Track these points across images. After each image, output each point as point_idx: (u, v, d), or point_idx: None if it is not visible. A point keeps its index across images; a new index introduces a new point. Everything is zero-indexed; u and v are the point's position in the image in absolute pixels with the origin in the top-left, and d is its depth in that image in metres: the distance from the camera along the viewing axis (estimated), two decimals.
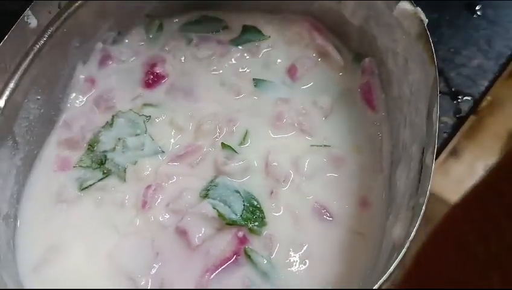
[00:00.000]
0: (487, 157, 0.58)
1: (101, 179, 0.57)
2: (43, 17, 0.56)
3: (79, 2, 0.59)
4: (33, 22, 0.55)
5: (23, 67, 0.55)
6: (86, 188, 0.56)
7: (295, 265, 0.50)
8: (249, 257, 0.50)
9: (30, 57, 0.55)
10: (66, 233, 0.53)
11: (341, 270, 0.50)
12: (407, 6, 0.54)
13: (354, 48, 0.66)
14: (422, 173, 0.46)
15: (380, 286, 0.39)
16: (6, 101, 0.53)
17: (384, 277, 0.39)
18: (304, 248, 0.51)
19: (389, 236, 0.48)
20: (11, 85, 0.54)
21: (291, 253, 0.51)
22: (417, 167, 0.48)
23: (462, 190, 0.51)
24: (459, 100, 0.64)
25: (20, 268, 0.51)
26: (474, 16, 0.70)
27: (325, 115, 0.61)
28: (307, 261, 0.51)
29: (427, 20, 0.52)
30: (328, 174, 0.56)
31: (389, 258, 0.43)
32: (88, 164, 0.58)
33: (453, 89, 0.65)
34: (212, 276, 0.49)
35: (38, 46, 0.56)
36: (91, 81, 0.64)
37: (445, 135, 0.62)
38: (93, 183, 0.56)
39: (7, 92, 0.53)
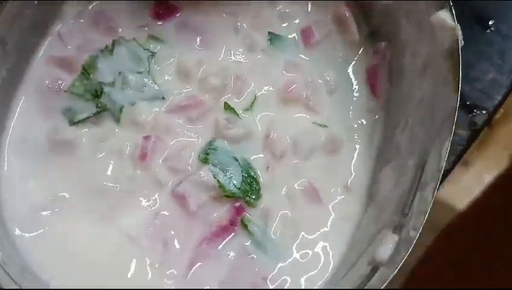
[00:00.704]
0: (495, 166, 0.62)
1: (94, 114, 0.53)
2: None
3: None
4: None
5: None
6: (77, 122, 0.52)
7: (288, 240, 0.53)
8: (245, 226, 0.52)
9: None
10: (59, 184, 0.52)
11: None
12: (447, 17, 0.52)
13: (372, 25, 0.64)
14: (415, 201, 0.47)
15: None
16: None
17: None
18: (297, 225, 0.53)
19: (369, 235, 0.51)
20: None
21: (285, 228, 0.53)
22: (409, 185, 0.50)
23: (469, 198, 0.54)
24: (474, 114, 0.66)
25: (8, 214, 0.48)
26: (488, 30, 0.71)
27: (331, 91, 0.60)
28: (299, 236, 0.53)
29: (463, 42, 0.51)
30: (322, 157, 0.57)
31: (371, 271, 0.46)
32: (81, 91, 0.53)
33: (468, 103, 0.66)
34: (209, 244, 0.51)
35: None
36: None
37: (460, 148, 0.64)
38: (86, 118, 0.53)
39: None
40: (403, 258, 0.44)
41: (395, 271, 0.43)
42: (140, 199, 0.52)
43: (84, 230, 0.51)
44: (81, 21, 0.57)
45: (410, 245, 0.45)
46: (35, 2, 0.51)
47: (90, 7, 0.57)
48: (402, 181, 0.52)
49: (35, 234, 0.50)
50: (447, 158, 0.62)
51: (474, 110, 0.67)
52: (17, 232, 0.50)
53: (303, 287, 0.52)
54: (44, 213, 0.51)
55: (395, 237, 0.48)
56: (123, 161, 0.53)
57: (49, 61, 0.55)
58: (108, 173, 0.52)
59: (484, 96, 0.68)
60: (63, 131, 0.52)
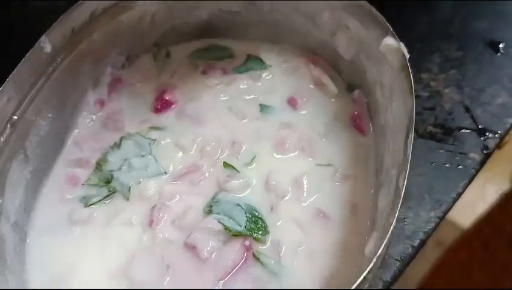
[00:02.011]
0: (498, 182, 0.61)
1: (106, 197, 0.60)
2: (58, 41, 0.60)
3: (94, 26, 0.63)
4: (48, 47, 0.59)
5: (37, 88, 0.59)
6: (92, 205, 0.60)
7: (302, 262, 0.55)
8: (257, 259, 0.54)
9: (43, 78, 0.59)
10: (78, 252, 0.57)
11: (340, 264, 0.55)
12: (390, 41, 0.59)
13: (346, 79, 0.71)
14: (395, 195, 0.49)
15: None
16: (19, 118, 0.57)
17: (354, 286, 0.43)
18: (307, 247, 0.56)
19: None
20: (25, 104, 0.57)
21: (297, 252, 0.55)
22: (393, 190, 0.52)
23: (473, 215, 0.54)
24: (485, 137, 0.67)
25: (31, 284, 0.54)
26: (498, 54, 0.73)
27: (324, 137, 0.65)
28: (311, 257, 0.55)
29: (408, 54, 0.56)
30: (327, 187, 0.61)
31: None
32: (96, 182, 0.61)
33: (480, 126, 0.67)
34: (223, 282, 0.53)
35: (51, 69, 0.60)
36: (100, 102, 0.68)
37: (473, 171, 0.64)
38: (98, 201, 0.60)
39: (20, 110, 0.57)
40: (379, 248, 0.45)
41: (372, 262, 0.44)
42: (151, 257, 0.56)
43: (99, 284, 0.54)
44: (92, 126, 0.67)
45: (387, 233, 0.46)
46: (50, 115, 0.62)
47: (99, 114, 0.67)
48: (389, 192, 0.54)
49: None
50: (460, 182, 0.65)
51: (486, 134, 0.68)
52: None
53: None
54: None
55: (376, 234, 0.49)
56: (133, 229, 0.58)
57: (68, 164, 0.64)
58: (121, 240, 0.57)
59: (496, 119, 0.69)
60: (78, 212, 0.59)
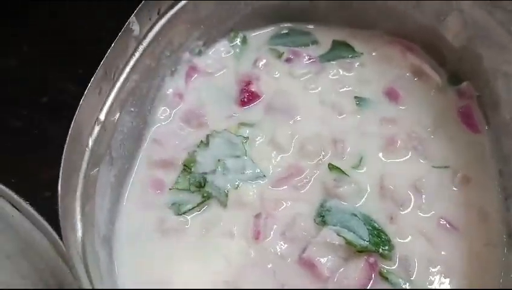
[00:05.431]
0: None
1: (200, 203, 0.52)
2: (145, 23, 0.52)
3: (177, 8, 0.55)
4: (136, 29, 0.51)
5: (124, 77, 0.51)
6: (185, 213, 0.52)
7: (436, 281, 0.48)
8: (386, 279, 0.47)
9: (130, 66, 0.52)
10: (171, 265, 0.50)
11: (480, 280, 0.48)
12: None
13: (450, 68, 0.63)
14: None
15: None
16: (107, 114, 0.49)
17: None
18: (439, 262, 0.49)
19: None
20: (112, 95, 0.49)
21: (431, 270, 0.49)
22: None
23: None
24: None
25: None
26: None
27: (433, 134, 0.58)
28: (447, 275, 0.49)
29: None
30: (447, 192, 0.54)
31: None
32: (185, 186, 0.53)
33: None
34: None
35: (137, 55, 0.53)
36: (179, 95, 0.60)
37: None
38: (192, 208, 0.52)
39: (108, 104, 0.49)
40: None
41: None
42: (261, 273, 0.48)
43: None
44: (172, 123, 0.58)
45: None
46: (132, 109, 0.54)
47: (178, 108, 0.59)
48: None
49: None
50: None
51: None
52: None
53: None
54: None
55: None
56: (235, 242, 0.50)
57: (151, 166, 0.56)
58: (222, 254, 0.50)
59: None
60: (169, 221, 0.52)
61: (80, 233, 0.42)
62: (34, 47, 0.72)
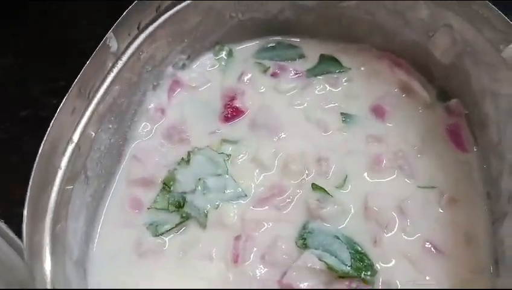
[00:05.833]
0: None
1: (179, 224, 0.51)
2: (123, 39, 0.51)
3: (158, 22, 0.54)
4: (113, 45, 0.50)
5: (101, 94, 0.49)
6: (162, 234, 0.50)
7: None
8: None
9: (107, 83, 0.50)
10: (148, 287, 0.48)
11: None
12: None
13: (438, 84, 0.62)
14: None
15: None
16: (81, 133, 0.47)
17: None
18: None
19: None
20: (87, 114, 0.48)
21: None
22: None
23: None
24: None
25: None
26: None
27: (420, 153, 0.57)
28: None
29: None
30: (433, 214, 0.52)
31: None
32: (164, 205, 0.52)
33: None
34: None
35: (115, 71, 0.51)
36: (161, 110, 0.59)
37: None
38: (171, 229, 0.50)
39: (83, 123, 0.48)
40: None
41: None
42: None
43: None
44: (153, 139, 0.57)
45: None
46: (110, 126, 0.52)
47: (159, 123, 0.58)
48: None
49: None
50: None
51: None
52: None
53: None
54: None
55: None
56: (214, 265, 0.49)
57: (130, 184, 0.54)
58: (199, 278, 0.48)
59: None
60: (146, 242, 0.50)
61: (47, 258, 0.41)
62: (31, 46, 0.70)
